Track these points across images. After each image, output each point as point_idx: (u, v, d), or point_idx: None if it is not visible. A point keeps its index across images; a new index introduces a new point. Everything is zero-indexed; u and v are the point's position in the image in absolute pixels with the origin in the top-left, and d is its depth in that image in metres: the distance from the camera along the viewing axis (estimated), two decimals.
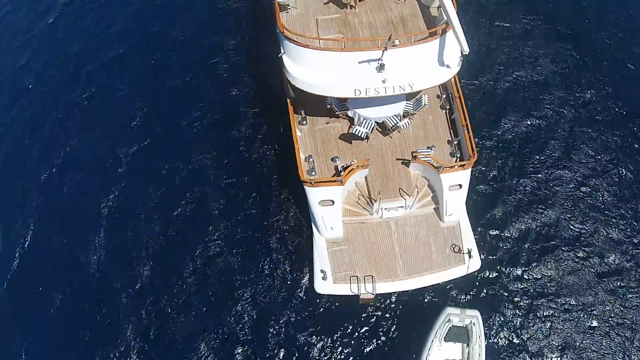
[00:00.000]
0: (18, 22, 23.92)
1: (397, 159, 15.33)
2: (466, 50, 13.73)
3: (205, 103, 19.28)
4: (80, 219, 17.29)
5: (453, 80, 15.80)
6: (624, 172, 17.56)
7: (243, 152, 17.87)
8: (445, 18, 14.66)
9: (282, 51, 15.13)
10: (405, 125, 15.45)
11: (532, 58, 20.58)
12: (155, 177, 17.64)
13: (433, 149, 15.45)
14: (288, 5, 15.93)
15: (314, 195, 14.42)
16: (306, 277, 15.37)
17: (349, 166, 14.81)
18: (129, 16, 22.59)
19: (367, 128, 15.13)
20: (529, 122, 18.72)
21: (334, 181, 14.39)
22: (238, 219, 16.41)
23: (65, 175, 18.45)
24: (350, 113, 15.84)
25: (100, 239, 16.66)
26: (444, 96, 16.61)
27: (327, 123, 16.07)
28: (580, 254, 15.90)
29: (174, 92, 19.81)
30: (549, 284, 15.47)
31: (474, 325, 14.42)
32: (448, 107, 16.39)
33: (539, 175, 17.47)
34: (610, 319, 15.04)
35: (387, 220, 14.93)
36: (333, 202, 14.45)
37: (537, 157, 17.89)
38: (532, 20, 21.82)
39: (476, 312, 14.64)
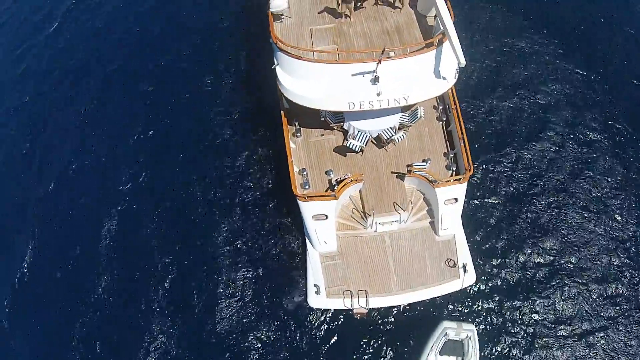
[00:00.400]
0: (14, 31, 23.81)
1: (392, 172, 15.12)
2: (463, 62, 13.46)
3: (199, 114, 19.07)
4: (80, 234, 17.26)
5: (450, 91, 15.49)
6: (629, 196, 17.21)
7: (236, 163, 17.64)
8: (441, 28, 14.44)
9: (275, 62, 14.93)
10: (400, 139, 15.20)
11: (537, 75, 20.12)
12: (150, 188, 17.54)
13: (428, 162, 15.22)
14: (282, 15, 15.67)
15: (307, 209, 14.26)
16: (300, 291, 15.25)
17: (342, 180, 14.65)
18: (123, 31, 22.34)
19: (361, 141, 14.92)
20: (529, 138, 18.36)
21: (328, 196, 14.25)
22: (230, 232, 16.24)
23: (65, 187, 18.38)
24: (345, 125, 15.64)
25: (103, 257, 16.63)
26: (441, 107, 16.33)
27: (322, 135, 15.85)
28: (578, 272, 15.67)
29: (167, 103, 19.58)
30: (545, 300, 15.29)
31: (470, 339, 14.31)
32: (445, 119, 16.11)
33: (538, 191, 17.18)
34: (609, 339, 14.89)
35: (381, 234, 14.77)
36: (327, 216, 14.29)
37: (537, 173, 17.54)
38: (537, 34, 21.35)
39: (472, 327, 14.53)
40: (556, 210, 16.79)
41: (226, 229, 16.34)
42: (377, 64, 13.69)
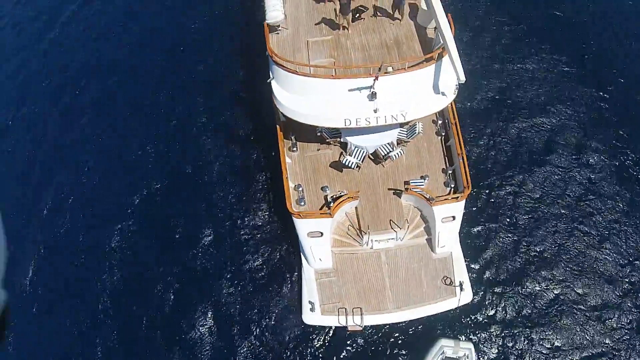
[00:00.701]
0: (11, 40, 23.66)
1: (389, 189, 14.86)
2: (462, 78, 13.11)
3: (193, 126, 18.78)
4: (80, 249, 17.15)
5: (450, 106, 15.15)
6: (635, 223, 16.65)
7: (229, 178, 17.37)
8: (441, 41, 14.09)
9: (270, 76, 14.66)
10: (398, 155, 14.90)
11: (543, 95, 19.34)
12: (143, 205, 17.34)
13: (426, 178, 14.97)
14: (278, 26, 15.34)
15: (302, 227, 14.08)
16: (294, 307, 15.12)
17: (338, 197, 14.43)
18: (116, 48, 21.97)
19: (358, 158, 14.66)
20: (533, 160, 17.75)
21: (323, 213, 14.06)
22: (224, 247, 16.07)
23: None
24: (341, 140, 15.37)
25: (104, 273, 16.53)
26: (440, 122, 16.00)
27: (318, 150, 15.59)
28: (579, 297, 15.32)
29: (160, 114, 19.33)
30: (544, 319, 15.07)
31: (468, 357, 14.14)
32: (444, 134, 15.81)
33: (539, 213, 16.71)
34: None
35: (377, 251, 14.58)
36: (322, 233, 14.11)
37: (540, 196, 16.99)
38: (544, 51, 20.64)
39: (470, 345, 14.36)
40: (558, 233, 16.31)
41: (219, 244, 16.13)
42: (374, 79, 13.45)
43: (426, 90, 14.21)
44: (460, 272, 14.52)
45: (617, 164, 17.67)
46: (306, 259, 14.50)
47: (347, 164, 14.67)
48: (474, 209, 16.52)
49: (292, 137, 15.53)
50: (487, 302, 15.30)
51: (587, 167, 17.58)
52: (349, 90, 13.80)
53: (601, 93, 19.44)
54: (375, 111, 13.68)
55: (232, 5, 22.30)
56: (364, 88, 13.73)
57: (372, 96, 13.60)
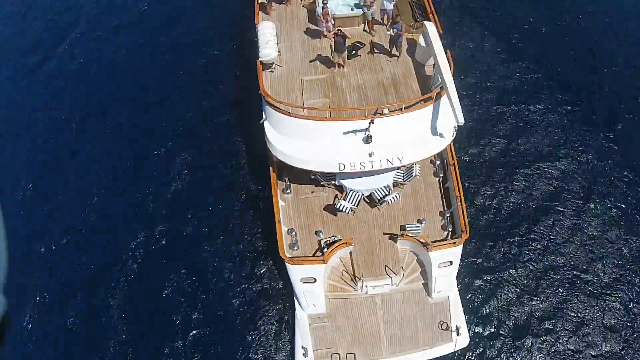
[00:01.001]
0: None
1: (385, 234, 14.49)
2: (461, 121, 12.70)
3: (184, 163, 18.29)
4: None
5: (448, 145, 14.70)
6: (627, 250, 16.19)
7: (224, 219, 16.84)
8: (440, 80, 13.67)
9: (263, 116, 14.29)
10: (393, 200, 14.51)
11: (547, 138, 18.72)
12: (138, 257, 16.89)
13: (423, 222, 14.56)
14: (272, 64, 14.94)
15: (295, 272, 13.73)
16: (287, 353, 14.81)
17: (332, 243, 14.07)
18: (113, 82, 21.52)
19: (352, 203, 14.28)
20: (535, 206, 17.11)
21: (316, 259, 13.72)
22: (217, 290, 15.64)
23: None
24: (336, 183, 15.01)
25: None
26: (438, 162, 15.58)
27: (312, 192, 15.19)
28: (577, 344, 14.86)
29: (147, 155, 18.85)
30: None
31: None
32: (442, 175, 15.41)
33: (540, 256, 16.15)
34: None
35: (372, 296, 14.22)
36: (315, 279, 13.77)
37: (541, 240, 16.38)
38: (549, 90, 20.14)
39: None
40: (561, 283, 15.65)
41: (212, 287, 15.70)
42: (369, 123, 13.07)
43: (424, 132, 13.82)
44: (457, 317, 14.18)
45: (624, 212, 17.02)
46: (299, 303, 14.16)
47: (341, 209, 14.30)
48: (473, 251, 16.04)
49: (286, 179, 15.16)
50: (484, 348, 14.92)
51: (594, 216, 16.88)
52: (344, 133, 13.45)
53: (609, 134, 18.82)
54: (370, 155, 13.31)
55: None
56: (359, 131, 13.40)
57: (367, 139, 13.24)
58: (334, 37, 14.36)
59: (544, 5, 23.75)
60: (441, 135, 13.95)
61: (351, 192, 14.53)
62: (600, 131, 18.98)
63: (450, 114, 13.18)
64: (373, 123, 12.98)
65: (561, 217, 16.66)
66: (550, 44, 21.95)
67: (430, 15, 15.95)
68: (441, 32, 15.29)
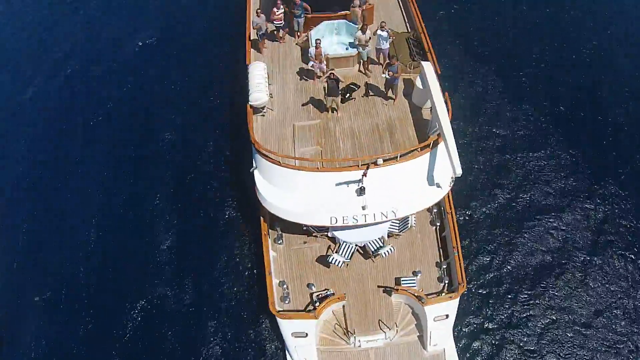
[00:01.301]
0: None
1: (379, 286, 13.97)
2: (459, 172, 12.14)
3: (174, 214, 17.43)
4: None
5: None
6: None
7: (210, 271, 16.00)
8: (437, 126, 13.10)
9: (254, 165, 13.79)
10: (388, 253, 13.96)
11: (548, 190, 17.67)
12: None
13: (418, 274, 13.99)
14: (263, 107, 14.41)
15: (286, 327, 13.24)
16: None
17: (325, 297, 13.58)
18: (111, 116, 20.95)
19: (345, 256, 13.74)
20: (534, 253, 16.24)
21: (308, 314, 13.25)
22: (204, 344, 14.82)
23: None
24: (328, 235, 14.49)
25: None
26: (435, 210, 14.99)
27: (305, 242, 14.62)
28: None
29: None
30: None
31: None
32: (439, 224, 14.84)
33: (540, 314, 15.21)
34: None
35: (366, 350, 13.71)
36: (307, 334, 13.30)
37: (539, 288, 15.53)
38: (553, 137, 19.09)
39: None
40: (562, 342, 14.74)
41: (201, 341, 14.94)
42: (362, 175, 12.55)
43: (419, 182, 13.27)
44: None
45: (631, 265, 16.05)
46: (291, 357, 13.74)
47: (334, 262, 13.76)
48: (471, 304, 15.30)
49: (278, 229, 14.64)
50: None
51: (599, 270, 15.90)
52: (336, 185, 12.94)
53: (616, 184, 17.84)
54: (363, 208, 12.80)
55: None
56: (352, 182, 12.88)
57: (361, 191, 12.72)
58: (326, 81, 13.80)
59: (550, 39, 22.65)
60: (438, 185, 13.41)
61: (344, 244, 14.01)
62: (608, 180, 17.92)
63: (447, 162, 12.63)
64: (366, 177, 12.50)
65: (565, 272, 15.73)
66: (558, 85, 20.78)
67: (429, 54, 15.34)
68: (439, 72, 14.74)
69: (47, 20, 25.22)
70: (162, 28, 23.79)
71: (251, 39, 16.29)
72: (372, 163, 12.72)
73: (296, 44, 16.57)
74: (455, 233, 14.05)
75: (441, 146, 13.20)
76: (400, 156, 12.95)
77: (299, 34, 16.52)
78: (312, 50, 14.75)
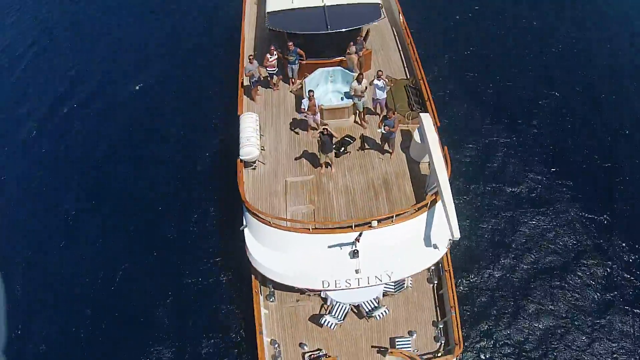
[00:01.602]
0: None
1: (372, 347, 13.48)
2: (457, 235, 11.60)
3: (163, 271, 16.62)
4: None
5: None
6: None
7: (196, 329, 15.22)
8: (435, 183, 12.57)
9: (244, 223, 13.32)
10: (382, 315, 13.44)
11: (547, 231, 16.97)
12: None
13: (414, 334, 13.42)
14: (254, 162, 13.94)
15: None
16: None
17: (317, 358, 13.08)
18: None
19: (338, 318, 13.21)
20: (532, 309, 15.45)
21: None
22: None
23: None
24: (321, 295, 13.97)
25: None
26: (432, 268, 14.41)
27: (298, 301, 14.08)
28: None
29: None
30: None
31: None
32: (436, 282, 14.29)
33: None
34: None
35: None
36: None
37: (538, 340, 14.87)
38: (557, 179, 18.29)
39: None
40: None
41: None
42: (356, 239, 12.06)
43: (415, 244, 12.77)
44: None
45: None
46: None
47: (326, 324, 13.24)
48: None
49: (270, 286, 14.12)
50: None
51: (608, 334, 15.01)
52: (329, 247, 12.47)
53: (625, 247, 16.76)
54: (357, 272, 12.30)
55: None
56: (345, 244, 12.40)
57: (354, 254, 12.23)
58: (319, 136, 13.30)
59: (561, 89, 21.30)
60: (435, 247, 12.88)
61: (337, 304, 13.50)
62: (618, 236, 16.94)
63: (445, 223, 12.11)
64: (359, 242, 12.02)
65: (573, 339, 14.81)
66: (567, 138, 19.61)
67: (428, 104, 14.81)
68: (439, 124, 14.21)
69: None
70: (160, 72, 23.05)
71: (244, 85, 15.84)
72: (366, 224, 12.28)
73: (290, 91, 16.11)
74: (452, 291, 13.50)
75: (439, 205, 12.69)
76: (395, 217, 12.49)
77: (293, 80, 16.04)
78: (305, 102, 14.25)
